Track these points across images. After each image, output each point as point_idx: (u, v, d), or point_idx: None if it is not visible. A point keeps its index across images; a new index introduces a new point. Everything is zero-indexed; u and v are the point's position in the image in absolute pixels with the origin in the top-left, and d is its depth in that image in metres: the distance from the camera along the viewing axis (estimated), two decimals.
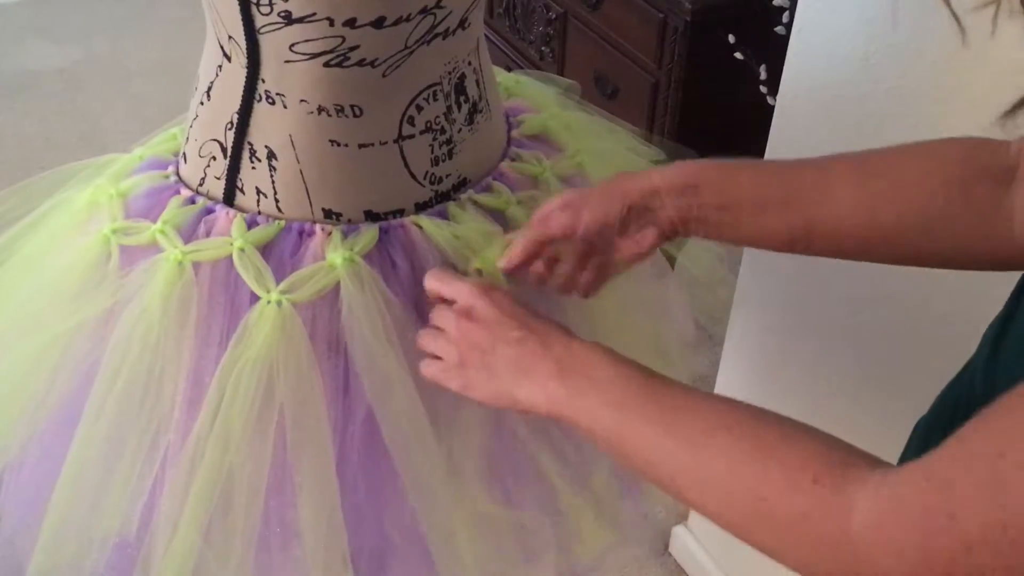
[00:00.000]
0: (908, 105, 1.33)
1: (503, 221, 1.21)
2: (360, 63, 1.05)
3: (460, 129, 1.17)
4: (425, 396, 1.13)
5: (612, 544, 1.44)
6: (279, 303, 1.09)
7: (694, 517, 2.18)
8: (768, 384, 1.78)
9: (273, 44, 1.05)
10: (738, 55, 2.40)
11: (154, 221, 1.15)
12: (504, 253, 1.08)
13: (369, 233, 1.14)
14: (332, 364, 1.13)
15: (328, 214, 1.14)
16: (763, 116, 1.69)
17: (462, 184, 1.21)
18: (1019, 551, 0.57)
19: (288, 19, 1.01)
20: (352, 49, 1.04)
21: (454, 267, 1.14)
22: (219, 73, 1.13)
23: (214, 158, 1.16)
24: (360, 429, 1.14)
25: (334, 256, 1.11)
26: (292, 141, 1.10)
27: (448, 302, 1.01)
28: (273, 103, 1.09)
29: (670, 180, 0.99)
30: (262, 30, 1.04)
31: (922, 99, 1.31)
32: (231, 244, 1.12)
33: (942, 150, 0.92)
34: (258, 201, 1.15)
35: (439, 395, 1.16)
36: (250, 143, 1.13)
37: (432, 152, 1.15)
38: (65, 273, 1.18)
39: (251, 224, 1.14)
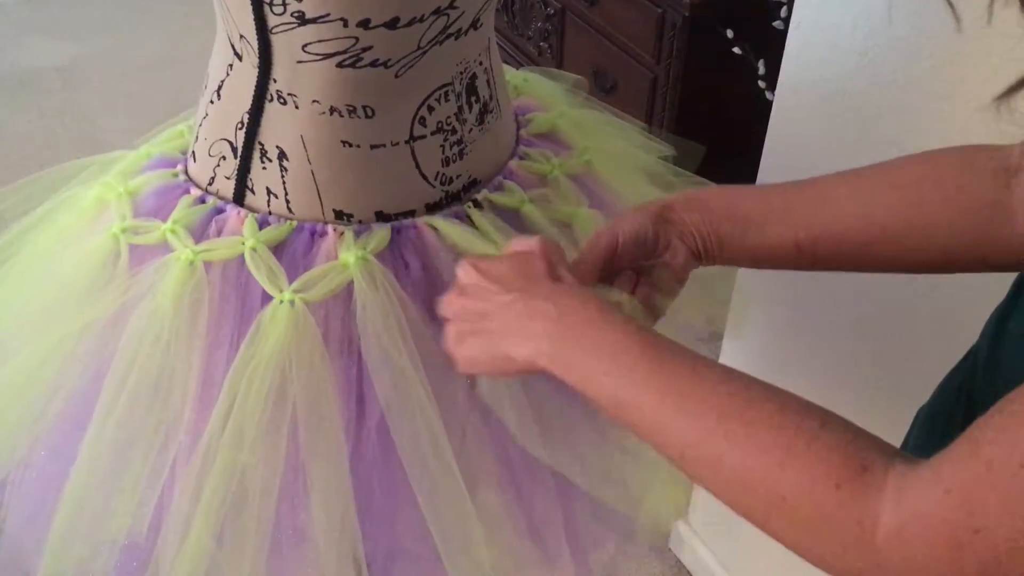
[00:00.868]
0: (906, 99, 1.33)
1: (518, 220, 1.21)
2: (373, 64, 1.05)
3: (471, 129, 1.18)
4: (438, 395, 1.14)
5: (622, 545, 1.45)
6: (292, 302, 1.09)
7: (695, 513, 2.18)
8: (768, 380, 1.78)
9: (286, 44, 1.05)
10: (736, 50, 2.41)
11: (164, 220, 1.15)
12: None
13: (381, 233, 1.14)
14: (345, 363, 1.13)
15: (339, 215, 1.14)
16: (761, 110, 1.70)
17: (472, 184, 1.21)
18: None
19: (301, 19, 1.01)
20: (365, 50, 1.04)
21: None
22: (230, 72, 1.13)
23: (224, 158, 1.16)
24: (375, 430, 1.14)
25: (347, 255, 1.11)
26: (303, 141, 1.10)
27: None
28: (285, 103, 1.09)
29: (678, 196, 1.01)
30: (275, 30, 1.04)
31: (920, 93, 1.31)
32: (243, 244, 1.12)
33: (939, 155, 0.93)
34: (268, 201, 1.15)
35: (452, 394, 1.16)
36: (261, 143, 1.13)
37: (443, 152, 1.16)
38: (74, 272, 1.18)
39: (262, 224, 1.14)
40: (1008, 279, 0.86)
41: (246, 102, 1.11)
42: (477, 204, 1.20)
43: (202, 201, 1.17)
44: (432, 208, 1.18)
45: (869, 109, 1.40)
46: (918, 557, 0.63)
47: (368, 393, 1.13)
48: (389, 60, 1.06)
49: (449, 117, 1.14)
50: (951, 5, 0.70)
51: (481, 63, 1.17)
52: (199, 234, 1.14)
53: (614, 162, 1.32)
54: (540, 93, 1.40)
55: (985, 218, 0.88)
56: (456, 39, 1.10)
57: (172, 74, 3.76)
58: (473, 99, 1.17)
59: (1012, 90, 0.66)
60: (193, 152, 1.21)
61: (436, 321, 1.16)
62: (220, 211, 1.16)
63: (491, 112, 1.20)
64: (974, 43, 1.18)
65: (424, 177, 1.15)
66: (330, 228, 1.14)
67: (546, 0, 2.93)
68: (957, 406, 0.90)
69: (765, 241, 0.98)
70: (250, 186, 1.15)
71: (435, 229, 1.17)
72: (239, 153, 1.14)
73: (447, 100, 1.13)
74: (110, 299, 1.14)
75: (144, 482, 1.14)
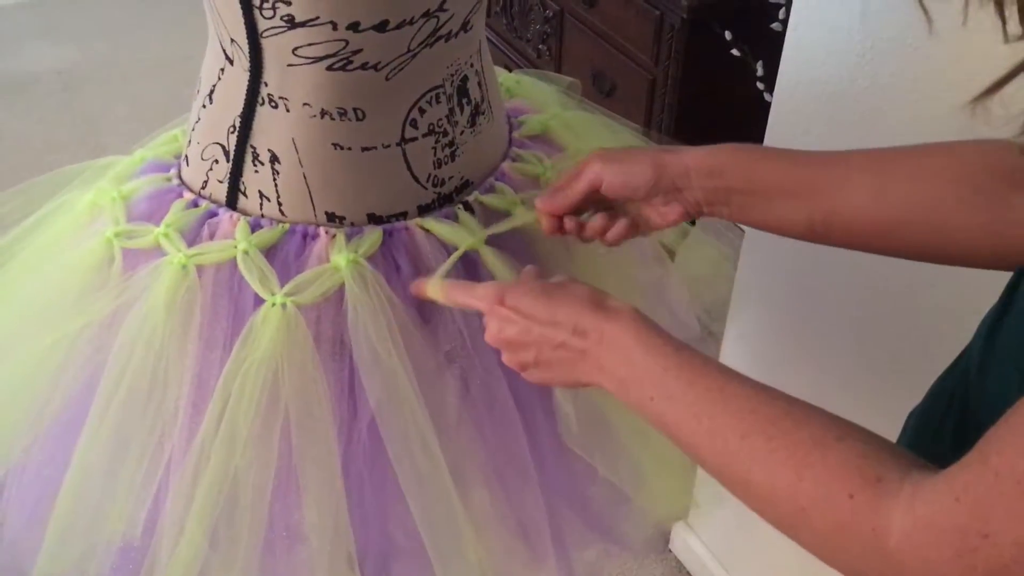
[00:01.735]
0: (905, 100, 1.33)
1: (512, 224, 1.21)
2: (363, 67, 1.05)
3: (462, 131, 1.18)
4: (428, 397, 1.14)
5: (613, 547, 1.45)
6: (284, 305, 1.09)
7: (694, 514, 2.18)
8: (767, 380, 1.78)
9: (276, 48, 1.05)
10: (735, 51, 2.41)
11: (157, 224, 1.15)
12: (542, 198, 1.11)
13: (373, 236, 1.14)
14: (337, 366, 1.13)
15: (331, 217, 1.14)
16: (760, 112, 1.70)
17: (464, 186, 1.21)
18: None
19: (291, 23, 1.01)
20: (355, 53, 1.04)
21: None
22: (221, 76, 1.13)
23: (216, 161, 1.16)
24: (366, 430, 1.14)
25: (338, 258, 1.11)
26: (295, 144, 1.11)
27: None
28: (276, 107, 1.09)
29: (700, 161, 1.03)
30: (265, 34, 1.04)
31: (919, 94, 1.31)
32: (235, 247, 1.12)
33: (959, 149, 0.93)
34: (261, 204, 1.15)
35: (442, 395, 1.17)
36: (253, 146, 1.13)
37: (435, 155, 1.16)
38: (68, 276, 1.18)
39: (255, 227, 1.14)
40: (1003, 277, 0.86)
41: (238, 106, 1.11)
42: (468, 207, 1.20)
43: (195, 205, 1.18)
44: (424, 210, 1.18)
45: (868, 110, 1.40)
46: (929, 562, 0.65)
47: (359, 395, 1.13)
48: (379, 63, 1.06)
49: (440, 119, 1.14)
50: (924, 8, 0.71)
51: (472, 65, 1.17)
52: (192, 238, 1.15)
53: None
54: (533, 95, 1.40)
55: (998, 218, 0.88)
56: (446, 41, 1.10)
57: (172, 78, 3.76)
58: (464, 101, 1.17)
59: (987, 92, 0.66)
60: (186, 156, 1.21)
61: (427, 323, 1.16)
62: (213, 215, 1.16)
63: (483, 114, 1.20)
64: (973, 45, 1.17)
65: (416, 179, 1.15)
66: (322, 231, 1.14)
67: (545, 2, 2.93)
68: (949, 410, 0.90)
69: (778, 215, 1.00)
70: (242, 189, 1.15)
71: (426, 230, 1.17)
72: (231, 157, 1.14)
73: (438, 102, 1.13)
74: (104, 303, 1.15)
75: (139, 484, 1.14)
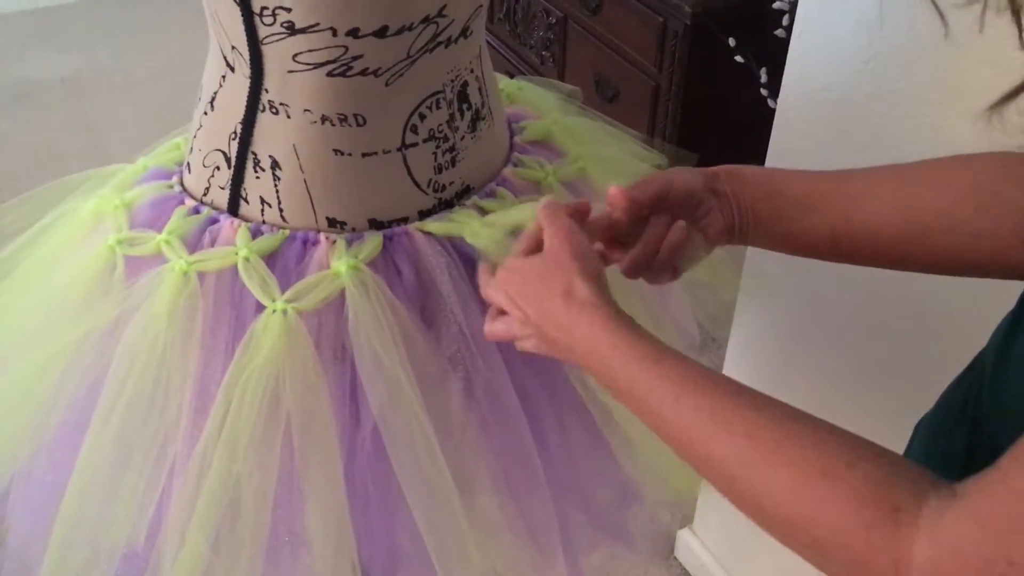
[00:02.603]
0: (909, 107, 1.33)
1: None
2: (363, 72, 1.06)
3: (463, 137, 1.18)
4: (432, 402, 1.14)
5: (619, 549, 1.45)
6: (284, 312, 1.09)
7: (699, 521, 2.18)
8: (771, 387, 1.77)
9: (276, 54, 1.05)
10: (738, 58, 2.41)
11: (159, 231, 1.16)
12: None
13: (373, 241, 1.14)
14: (339, 371, 1.13)
15: (332, 223, 1.14)
16: (764, 118, 1.69)
17: (465, 191, 1.21)
18: None
19: (291, 29, 1.02)
20: (355, 59, 1.04)
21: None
22: (222, 83, 1.13)
23: (218, 168, 1.16)
24: (369, 437, 1.14)
25: (339, 264, 1.11)
26: (296, 150, 1.11)
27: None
28: (277, 113, 1.10)
29: (722, 168, 1.02)
30: (265, 41, 1.04)
31: (922, 101, 1.31)
32: (236, 253, 1.12)
33: (979, 160, 0.93)
34: (262, 211, 1.15)
35: (446, 400, 1.17)
36: (254, 153, 1.13)
37: (435, 160, 1.16)
38: (71, 284, 1.19)
39: (256, 233, 1.14)
40: (1017, 289, 0.85)
41: (239, 112, 1.12)
42: (467, 211, 1.20)
43: (196, 211, 1.18)
44: (425, 215, 1.18)
45: (871, 117, 1.39)
46: None
47: (362, 401, 1.13)
48: (379, 69, 1.06)
49: (441, 125, 1.15)
50: (940, 13, 0.70)
51: (472, 71, 1.17)
52: (193, 244, 1.15)
53: (608, 169, 1.32)
54: (534, 101, 1.40)
55: (1018, 228, 0.88)
56: (446, 47, 1.10)
57: (175, 85, 3.77)
58: (465, 106, 1.17)
59: (1005, 100, 0.66)
60: (188, 163, 1.22)
61: (429, 328, 1.16)
62: (214, 221, 1.17)
63: (483, 119, 1.20)
64: (976, 52, 1.17)
65: (417, 184, 1.16)
66: (322, 237, 1.14)
67: (548, 9, 2.94)
68: (961, 421, 0.89)
69: (802, 227, 0.99)
70: (244, 196, 1.15)
71: (426, 233, 1.17)
72: (233, 163, 1.15)
73: (438, 108, 1.13)
74: (107, 310, 1.15)
75: (142, 490, 1.14)
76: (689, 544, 2.20)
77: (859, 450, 0.71)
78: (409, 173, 1.14)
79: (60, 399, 1.18)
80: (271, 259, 1.13)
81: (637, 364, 0.82)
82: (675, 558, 2.26)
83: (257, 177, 1.14)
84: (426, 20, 1.05)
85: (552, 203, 0.96)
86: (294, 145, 1.11)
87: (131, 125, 3.65)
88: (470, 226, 1.15)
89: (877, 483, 0.68)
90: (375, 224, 1.16)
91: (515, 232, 1.14)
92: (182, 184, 1.23)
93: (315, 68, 1.05)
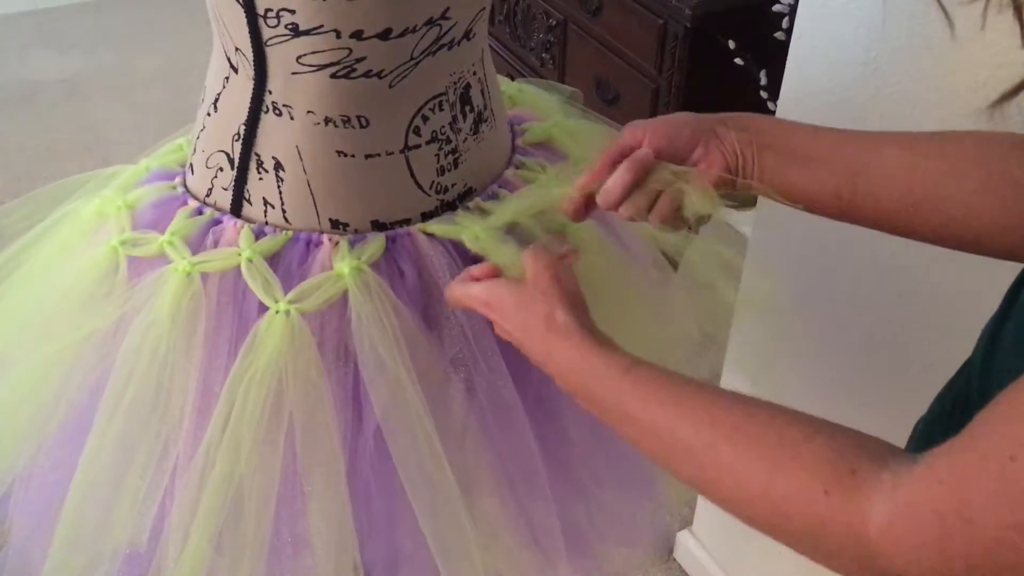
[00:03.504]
0: (909, 109, 1.33)
1: (511, 228, 1.21)
2: (367, 74, 1.06)
3: (465, 139, 1.18)
4: (434, 403, 1.14)
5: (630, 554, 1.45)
6: (287, 313, 1.09)
7: (699, 522, 2.18)
8: (771, 388, 1.78)
9: (280, 56, 1.05)
10: (738, 61, 2.41)
11: (162, 232, 1.16)
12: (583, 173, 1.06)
13: (376, 242, 1.14)
14: (342, 373, 1.13)
15: (335, 224, 1.15)
16: None
17: (468, 193, 1.21)
18: None
19: (295, 31, 1.02)
20: (359, 61, 1.05)
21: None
22: (226, 84, 1.13)
23: (221, 169, 1.16)
24: (372, 438, 1.14)
25: (342, 265, 1.12)
26: (299, 152, 1.11)
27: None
28: (280, 114, 1.10)
29: (730, 115, 1.03)
30: (269, 42, 1.05)
31: (922, 102, 1.31)
32: (239, 255, 1.12)
33: (988, 135, 0.93)
34: (265, 212, 1.15)
35: (449, 402, 1.17)
36: (257, 154, 1.13)
37: (438, 162, 1.16)
38: (73, 284, 1.19)
39: (259, 235, 1.14)
40: (1006, 283, 0.85)
41: (242, 114, 1.12)
42: (470, 212, 1.20)
43: (199, 212, 1.18)
44: (428, 217, 1.18)
45: (872, 119, 1.40)
46: (910, 548, 0.64)
47: (364, 402, 1.14)
48: (383, 71, 1.06)
49: (443, 127, 1.15)
50: (945, 11, 0.70)
51: (475, 73, 1.17)
52: (196, 245, 1.15)
53: None
54: (535, 103, 1.40)
55: (1022, 205, 0.88)
56: (449, 49, 1.10)
57: (176, 86, 3.77)
58: (467, 109, 1.17)
59: (1005, 97, 0.66)
60: (191, 164, 1.22)
61: (432, 329, 1.16)
62: (217, 222, 1.17)
63: (485, 121, 1.21)
64: (976, 52, 1.18)
65: (419, 186, 1.16)
66: (325, 238, 1.14)
67: (548, 11, 2.94)
68: (952, 419, 0.90)
69: (806, 180, 0.99)
70: (247, 197, 1.15)
71: (429, 234, 1.17)
72: (236, 164, 1.15)
73: (441, 110, 1.14)
74: (109, 311, 1.15)
75: (144, 491, 1.15)
76: (688, 545, 2.20)
77: (818, 425, 0.74)
78: (412, 175, 1.15)
79: (62, 400, 1.18)
80: (274, 260, 1.13)
81: (612, 377, 0.87)
82: (674, 559, 2.26)
83: (260, 178, 1.14)
84: (429, 22, 1.05)
85: (538, 247, 1.01)
86: (297, 146, 1.11)
87: (132, 127, 3.65)
88: (471, 230, 1.15)
89: (836, 450, 0.71)
90: (377, 225, 1.16)
91: (511, 229, 1.16)
92: (185, 185, 1.23)
93: (319, 70, 1.05)
